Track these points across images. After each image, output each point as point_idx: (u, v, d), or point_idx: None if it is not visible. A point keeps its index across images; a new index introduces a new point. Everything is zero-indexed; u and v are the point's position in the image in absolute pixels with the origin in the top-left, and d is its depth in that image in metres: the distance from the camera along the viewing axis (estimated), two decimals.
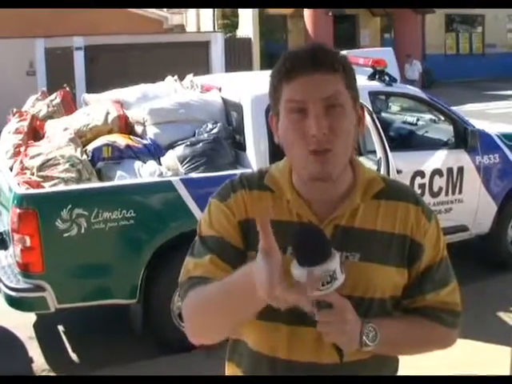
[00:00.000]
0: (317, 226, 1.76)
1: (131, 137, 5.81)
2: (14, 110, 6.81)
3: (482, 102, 22.56)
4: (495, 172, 6.75)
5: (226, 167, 5.47)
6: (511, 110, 19.70)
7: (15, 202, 4.89)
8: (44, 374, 5.19)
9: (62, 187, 5.17)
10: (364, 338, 1.71)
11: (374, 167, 5.42)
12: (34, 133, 6.27)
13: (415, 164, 6.32)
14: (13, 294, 5.03)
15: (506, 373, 3.96)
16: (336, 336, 1.64)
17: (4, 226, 5.56)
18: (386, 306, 1.84)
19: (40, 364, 5.34)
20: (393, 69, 12.03)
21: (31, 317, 6.00)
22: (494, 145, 6.78)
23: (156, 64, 17.56)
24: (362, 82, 6.39)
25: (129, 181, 5.33)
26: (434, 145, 6.79)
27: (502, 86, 26.85)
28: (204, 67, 19.26)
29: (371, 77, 6.60)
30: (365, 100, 5.84)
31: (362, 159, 5.20)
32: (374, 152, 5.73)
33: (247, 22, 24.81)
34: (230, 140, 5.75)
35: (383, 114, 7.62)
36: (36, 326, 5.98)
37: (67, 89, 7.26)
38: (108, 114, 5.95)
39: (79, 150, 5.49)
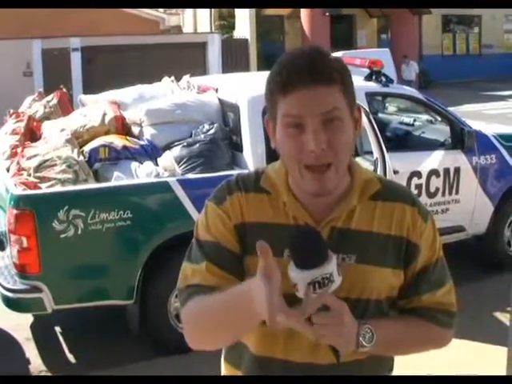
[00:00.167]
0: (314, 228, 1.76)
1: (128, 138, 5.81)
2: (11, 110, 6.80)
3: (478, 102, 22.58)
4: (492, 172, 6.76)
5: (223, 168, 5.46)
6: (508, 111, 19.73)
7: (12, 202, 4.89)
8: (41, 374, 5.18)
9: (58, 188, 5.17)
10: (361, 339, 1.71)
11: (371, 168, 5.43)
12: (31, 134, 6.27)
13: (412, 164, 6.32)
14: (10, 295, 5.02)
15: (503, 373, 3.97)
16: (333, 338, 1.65)
17: (1, 227, 5.56)
18: (382, 307, 1.84)
19: (37, 365, 5.33)
20: (389, 69, 12.06)
21: (28, 318, 5.99)
22: (490, 145, 6.79)
23: (153, 65, 17.59)
24: (359, 82, 6.39)
25: (126, 182, 5.33)
26: (431, 145, 6.79)
27: (498, 86, 26.88)
28: (201, 68, 19.27)
29: (368, 77, 6.61)
30: (361, 101, 5.85)
31: (358, 160, 5.20)
32: (371, 153, 5.73)
33: (244, 22, 24.80)
34: (227, 141, 5.75)
35: (380, 115, 7.63)
36: (33, 327, 5.98)
37: (64, 90, 7.25)
38: (105, 114, 5.95)
39: (76, 150, 5.49)
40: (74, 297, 5.12)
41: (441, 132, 6.87)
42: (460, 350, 4.63)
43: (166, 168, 5.46)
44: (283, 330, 1.57)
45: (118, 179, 5.35)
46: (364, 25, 31.05)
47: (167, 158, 5.57)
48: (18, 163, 5.45)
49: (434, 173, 6.38)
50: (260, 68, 21.88)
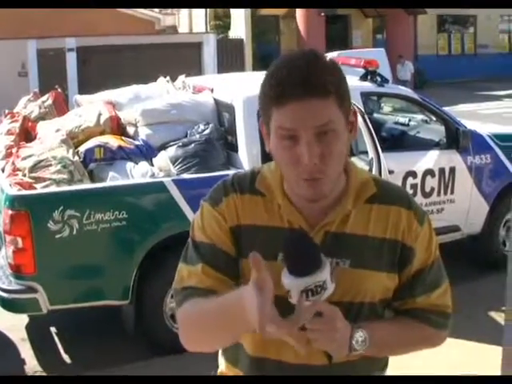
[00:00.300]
0: (307, 234, 1.75)
1: (123, 138, 5.80)
2: (6, 111, 6.79)
3: (473, 102, 22.60)
4: (487, 172, 6.77)
5: (218, 168, 5.46)
6: (503, 111, 19.77)
7: (7, 203, 4.88)
8: (37, 375, 5.18)
9: (53, 188, 5.17)
10: (353, 343, 1.72)
11: (366, 167, 5.43)
12: (26, 134, 6.26)
13: (407, 164, 6.33)
14: (5, 295, 5.02)
15: (497, 372, 3.97)
16: (325, 343, 1.66)
17: None
18: (377, 309, 1.85)
19: (32, 365, 5.33)
20: (385, 69, 12.09)
21: (23, 318, 5.98)
22: (485, 145, 6.79)
23: (148, 65, 17.58)
24: (354, 82, 6.40)
25: (121, 182, 5.32)
26: (426, 145, 6.80)
27: (493, 86, 26.91)
28: (196, 68, 19.28)
29: (363, 77, 6.62)
30: (357, 101, 5.85)
31: (353, 159, 5.20)
32: (366, 152, 5.74)
33: (239, 22, 24.82)
34: (222, 141, 5.75)
35: (375, 115, 7.63)
36: (28, 327, 5.97)
37: (59, 90, 7.25)
38: (100, 115, 5.94)
39: (71, 151, 5.48)
40: (69, 297, 5.11)
41: (436, 132, 6.88)
42: (455, 350, 4.63)
43: (162, 168, 5.46)
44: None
45: (113, 179, 5.35)
46: (359, 25, 31.08)
47: (162, 158, 5.56)
48: (13, 163, 5.44)
49: (429, 172, 6.39)
50: (255, 68, 21.89)
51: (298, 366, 1.80)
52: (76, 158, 5.44)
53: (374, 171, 5.56)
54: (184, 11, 30.26)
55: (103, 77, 15.92)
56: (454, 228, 6.67)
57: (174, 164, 5.47)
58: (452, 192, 6.55)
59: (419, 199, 6.15)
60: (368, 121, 5.76)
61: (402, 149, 6.85)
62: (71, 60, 19.79)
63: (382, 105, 8.28)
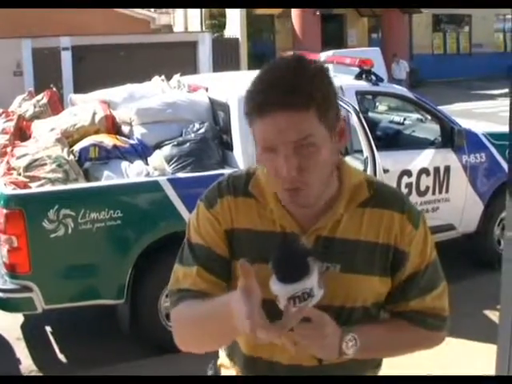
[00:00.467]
0: (298, 239, 1.75)
1: (118, 137, 5.80)
2: (1, 110, 6.79)
3: (468, 101, 22.65)
4: (482, 171, 6.78)
5: (213, 167, 5.47)
6: (498, 110, 19.76)
7: (2, 202, 4.87)
8: (32, 375, 5.17)
9: (48, 187, 5.16)
10: (343, 347, 1.72)
11: (361, 166, 5.43)
12: (21, 133, 6.25)
13: (402, 163, 6.33)
14: (0, 294, 5.01)
15: (492, 370, 3.97)
16: (314, 349, 1.68)
17: None
18: (370, 312, 1.85)
19: (27, 365, 5.32)
20: (380, 68, 12.09)
21: (18, 318, 5.98)
22: (480, 144, 6.80)
23: (143, 64, 17.56)
24: (349, 81, 6.41)
25: (116, 181, 5.32)
26: (421, 144, 6.80)
27: (488, 85, 26.94)
28: (191, 67, 19.28)
29: (358, 76, 6.62)
30: (352, 100, 5.87)
31: (348, 158, 5.22)
32: (361, 151, 5.73)
33: (235, 22, 24.81)
34: (217, 140, 5.75)
35: (370, 114, 7.63)
36: (23, 326, 5.96)
37: (54, 89, 7.25)
38: (95, 114, 5.94)
39: (66, 150, 5.47)
40: (64, 296, 5.11)
41: (431, 131, 6.88)
42: (450, 349, 4.63)
43: (157, 167, 5.45)
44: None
45: (108, 178, 5.34)
46: (354, 24, 31.09)
47: (157, 157, 5.56)
48: (8, 162, 5.44)
49: (424, 171, 6.40)
50: (250, 67, 21.85)
51: (289, 366, 1.82)
52: (71, 157, 5.43)
53: (369, 170, 5.56)
54: (179, 10, 30.23)
55: (98, 76, 15.90)
56: (448, 227, 6.68)
57: (169, 163, 5.47)
58: (447, 191, 6.56)
59: (414, 198, 6.16)
60: (363, 120, 5.75)
61: (397, 148, 6.84)
62: (66, 59, 19.78)
63: (377, 104, 8.29)
